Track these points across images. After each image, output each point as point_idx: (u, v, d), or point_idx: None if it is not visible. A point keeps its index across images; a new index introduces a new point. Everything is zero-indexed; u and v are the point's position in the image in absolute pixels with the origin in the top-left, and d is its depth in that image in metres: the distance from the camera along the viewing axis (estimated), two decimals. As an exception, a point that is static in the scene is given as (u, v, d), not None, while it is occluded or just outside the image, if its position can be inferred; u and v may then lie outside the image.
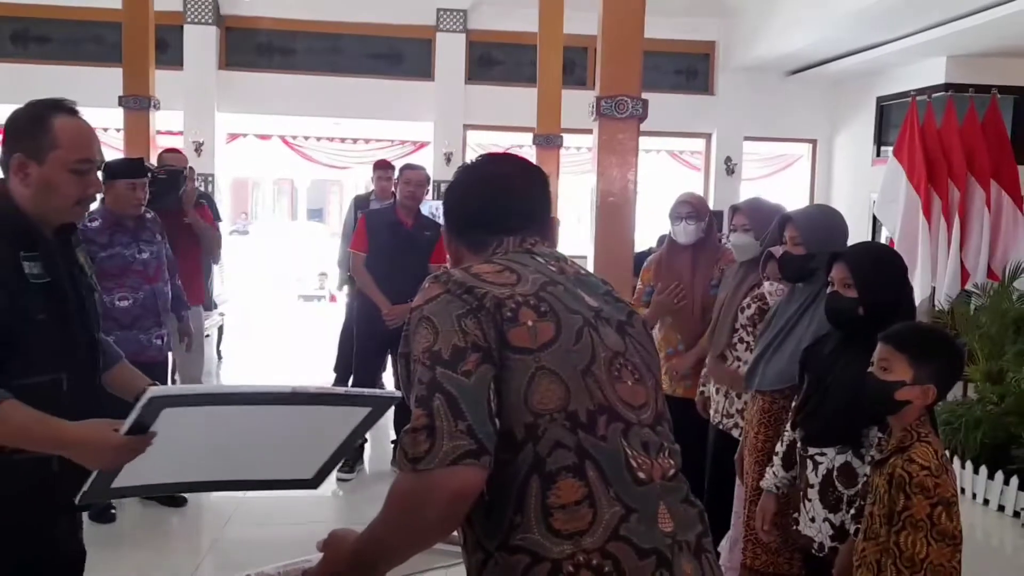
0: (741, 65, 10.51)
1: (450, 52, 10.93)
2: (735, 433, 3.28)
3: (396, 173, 6.81)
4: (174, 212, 4.68)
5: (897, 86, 9.31)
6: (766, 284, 3.19)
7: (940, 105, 5.85)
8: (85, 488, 1.62)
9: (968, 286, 5.47)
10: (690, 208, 3.80)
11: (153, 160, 5.86)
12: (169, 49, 10.35)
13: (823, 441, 2.39)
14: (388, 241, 4.78)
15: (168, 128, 10.48)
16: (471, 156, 11.44)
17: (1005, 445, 4.73)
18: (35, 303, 1.79)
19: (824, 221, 2.83)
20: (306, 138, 12.63)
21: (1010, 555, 4.24)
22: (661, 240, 10.04)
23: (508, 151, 1.99)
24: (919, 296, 5.59)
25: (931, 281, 5.51)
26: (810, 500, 2.43)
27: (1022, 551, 4.23)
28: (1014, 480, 4.57)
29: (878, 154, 9.90)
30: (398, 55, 11.10)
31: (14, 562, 1.84)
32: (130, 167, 4.15)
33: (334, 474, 4.60)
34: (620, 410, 1.28)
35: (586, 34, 9.87)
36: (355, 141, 12.90)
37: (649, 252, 7.87)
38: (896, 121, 9.69)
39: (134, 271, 3.98)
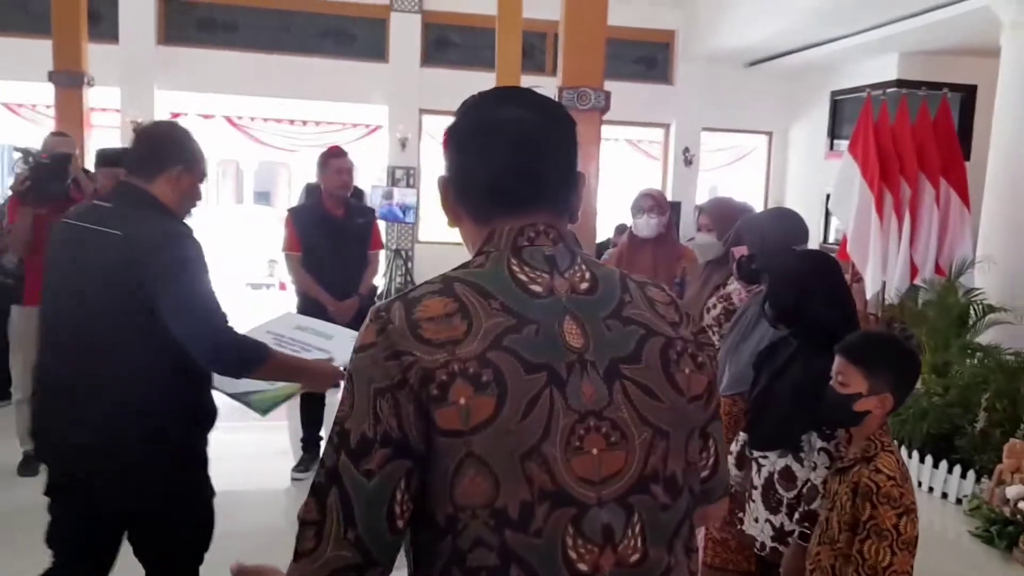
0: (700, 55, 10.72)
1: (405, 33, 10.87)
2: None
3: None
4: (63, 202, 4.10)
5: (851, 81, 9.63)
6: (732, 284, 3.33)
7: (894, 102, 6.09)
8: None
9: (917, 281, 5.74)
10: (652, 202, 3.94)
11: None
12: (103, 21, 9.99)
13: (765, 445, 2.51)
14: (320, 236, 4.62)
15: (103, 106, 10.17)
16: (427, 142, 11.46)
17: (949, 435, 4.99)
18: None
19: (770, 225, 2.97)
20: (252, 118, 12.37)
21: (953, 540, 4.49)
22: (620, 229, 10.27)
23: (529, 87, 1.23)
24: (870, 291, 5.84)
25: (882, 275, 5.76)
26: (754, 501, 2.56)
27: (964, 536, 4.48)
28: (957, 468, 4.83)
29: (831, 147, 10.21)
30: (350, 35, 10.99)
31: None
32: (111, 156, 4.15)
33: (289, 473, 4.69)
34: (573, 491, 1.09)
35: (545, 19, 10.02)
36: (304, 123, 12.77)
37: (607, 243, 8.05)
38: (849, 115, 10.01)
39: None
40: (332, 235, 4.64)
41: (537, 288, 1.15)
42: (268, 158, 19.25)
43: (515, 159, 1.19)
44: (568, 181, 1.23)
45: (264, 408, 2.46)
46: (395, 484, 1.07)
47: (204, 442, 2.40)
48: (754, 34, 9.29)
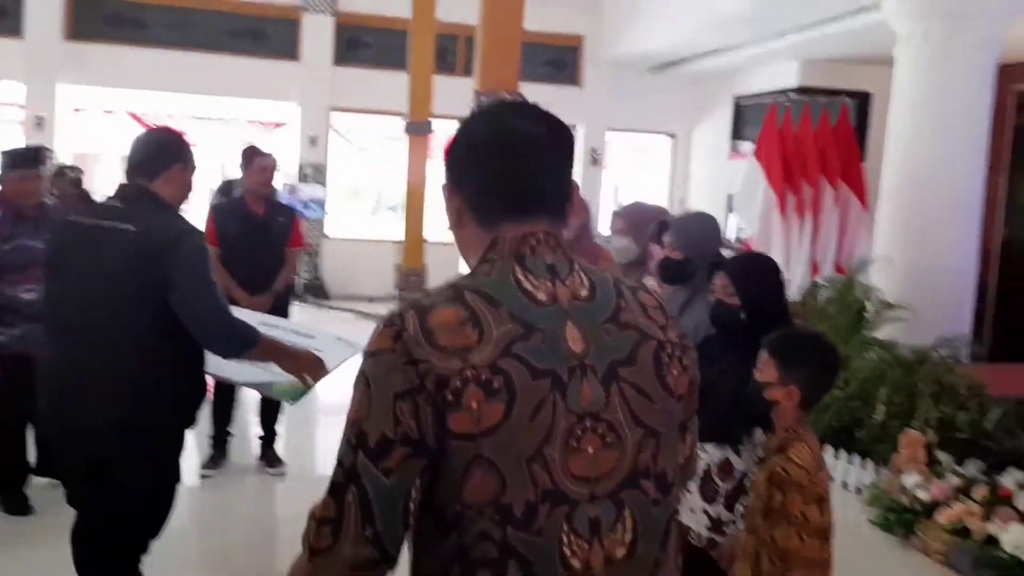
0: (607, 59, 10.90)
1: (317, 33, 10.83)
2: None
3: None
4: None
5: (753, 86, 9.95)
6: (647, 283, 3.41)
7: (798, 110, 6.34)
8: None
9: (818, 279, 5.99)
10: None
11: None
12: (8, 16, 9.81)
13: (703, 438, 2.59)
14: (240, 232, 4.66)
15: (7, 101, 9.98)
16: (335, 139, 11.39)
17: (850, 427, 5.21)
18: None
19: (699, 229, 3.06)
20: (157, 114, 12.09)
21: (853, 527, 4.69)
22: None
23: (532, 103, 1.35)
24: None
25: (785, 273, 5.96)
26: (690, 492, 2.59)
27: (863, 524, 4.68)
28: (856, 459, 5.06)
29: (734, 149, 10.53)
30: (262, 33, 10.87)
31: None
32: (17, 158, 4.00)
33: (197, 471, 4.63)
34: (568, 490, 1.15)
35: (458, 22, 10.11)
36: (210, 119, 12.51)
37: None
38: (751, 119, 10.35)
39: (41, 264, 3.82)
40: (253, 232, 4.69)
41: (541, 296, 1.19)
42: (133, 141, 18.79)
43: (524, 167, 1.23)
44: (566, 190, 1.28)
45: (293, 397, 2.72)
46: (411, 482, 1.11)
47: (192, 418, 2.64)
48: (659, 40, 9.48)
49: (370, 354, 1.16)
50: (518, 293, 1.18)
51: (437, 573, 1.15)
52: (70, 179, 5.68)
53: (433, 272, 9.49)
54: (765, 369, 2.26)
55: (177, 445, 2.62)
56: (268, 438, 4.98)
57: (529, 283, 1.19)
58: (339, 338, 3.04)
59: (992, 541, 3.90)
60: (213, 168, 11.42)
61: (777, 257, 5.88)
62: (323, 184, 10.98)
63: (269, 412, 4.96)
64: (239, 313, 2.71)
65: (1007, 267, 7.80)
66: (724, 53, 9.32)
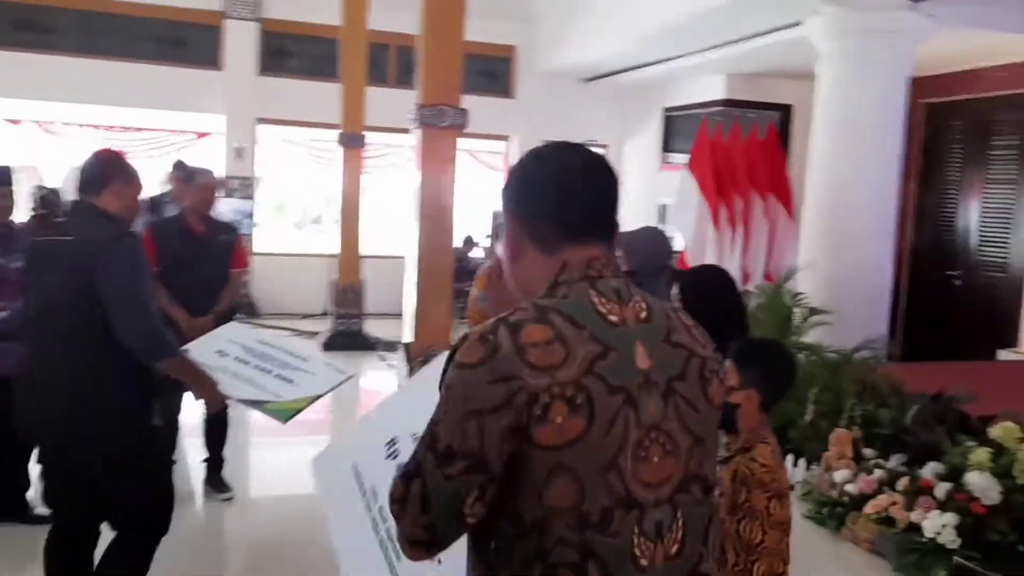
0: (540, 71, 11.25)
1: (240, 41, 10.75)
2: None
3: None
4: None
5: (682, 99, 10.47)
6: None
7: (728, 124, 6.79)
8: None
9: (749, 287, 6.45)
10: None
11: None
12: None
13: None
14: (180, 251, 4.63)
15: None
16: (265, 151, 11.41)
17: (784, 427, 5.62)
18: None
19: (645, 240, 3.39)
20: (66, 124, 11.79)
21: (787, 523, 5.11)
22: (467, 241, 10.66)
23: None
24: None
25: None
26: None
27: (797, 518, 5.02)
28: (790, 457, 5.47)
29: (665, 160, 11.03)
30: (181, 41, 10.75)
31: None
32: None
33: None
34: (638, 496, 1.33)
35: (390, 31, 10.30)
36: (125, 129, 12.34)
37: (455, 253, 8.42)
38: (681, 130, 10.85)
39: (9, 282, 3.90)
40: (193, 251, 4.67)
41: (614, 318, 1.37)
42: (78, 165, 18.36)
43: (586, 196, 1.43)
44: (616, 218, 1.48)
45: (284, 417, 2.95)
46: (468, 492, 1.28)
47: (149, 410, 2.98)
48: (591, 52, 9.83)
49: (458, 364, 1.30)
50: (595, 315, 1.35)
51: (518, 574, 1.31)
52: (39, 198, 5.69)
53: (371, 287, 9.63)
54: (728, 375, 2.42)
55: (133, 434, 2.90)
56: (215, 462, 5.02)
57: (603, 306, 1.37)
58: (328, 364, 3.39)
59: (914, 528, 4.33)
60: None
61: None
62: (251, 198, 10.99)
63: (216, 436, 5.00)
64: (254, 333, 3.20)
65: (916, 270, 8.49)
66: (654, 66, 9.78)
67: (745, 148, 6.49)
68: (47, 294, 2.84)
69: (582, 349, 1.30)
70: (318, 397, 3.18)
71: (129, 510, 2.97)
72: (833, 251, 6.17)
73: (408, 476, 1.32)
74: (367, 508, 2.25)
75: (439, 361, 2.50)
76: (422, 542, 1.33)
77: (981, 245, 8.07)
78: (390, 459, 2.34)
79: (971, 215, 8.15)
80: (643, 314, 1.40)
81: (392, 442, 2.39)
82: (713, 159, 6.37)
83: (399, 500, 1.33)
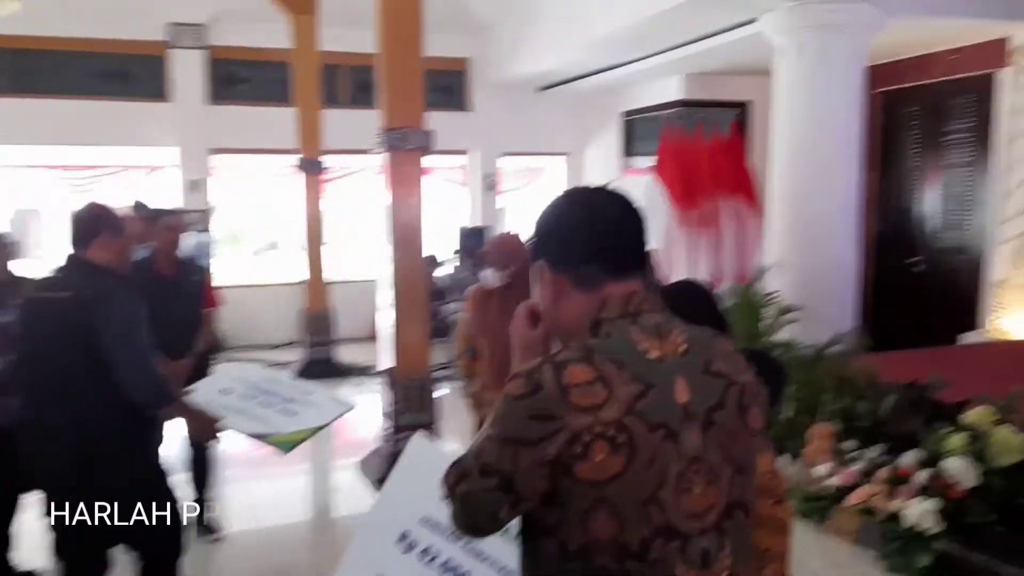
0: (495, 82, 11.36)
1: (187, 70, 10.70)
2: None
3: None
4: None
5: (640, 101, 10.67)
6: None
7: (691, 124, 6.96)
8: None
9: (720, 289, 6.62)
10: (494, 256, 4.27)
11: None
12: None
13: None
14: (151, 296, 4.37)
15: None
16: (221, 181, 11.37)
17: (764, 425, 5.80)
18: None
19: None
20: (9, 166, 11.57)
21: (774, 520, 5.27)
22: (430, 261, 10.74)
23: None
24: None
25: (691, 287, 6.61)
26: None
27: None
28: (772, 455, 5.65)
29: (626, 165, 11.22)
30: (124, 74, 10.69)
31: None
32: None
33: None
34: (681, 526, 1.41)
35: (341, 51, 10.36)
36: (66, 168, 12.20)
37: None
38: (641, 134, 11.05)
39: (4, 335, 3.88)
40: (164, 295, 4.61)
41: (655, 355, 1.44)
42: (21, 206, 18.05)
43: (624, 235, 1.54)
44: (646, 253, 1.58)
45: (286, 448, 3.20)
46: (500, 505, 1.42)
47: (155, 453, 3.29)
48: (545, 62, 9.93)
49: (506, 394, 1.42)
50: (636, 354, 1.43)
51: None
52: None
53: (341, 313, 9.70)
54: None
55: (139, 466, 3.15)
56: (203, 502, 5.04)
57: (643, 343, 1.45)
58: (333, 397, 3.65)
59: (896, 517, 4.51)
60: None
61: (681, 271, 6.50)
62: (207, 230, 10.95)
63: (203, 474, 5.04)
64: (259, 370, 3.49)
65: (880, 259, 8.74)
66: (610, 71, 9.93)
67: (710, 150, 6.68)
68: (44, 348, 3.00)
69: (624, 389, 1.38)
70: (320, 428, 3.41)
71: (151, 537, 3.16)
72: (800, 246, 6.35)
73: (456, 469, 1.47)
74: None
75: (417, 444, 2.76)
76: (464, 531, 1.51)
77: (941, 230, 8.34)
78: (408, 553, 2.47)
79: (930, 200, 8.42)
80: (682, 347, 1.47)
81: (404, 536, 2.51)
82: (678, 161, 6.55)
83: (449, 488, 1.48)
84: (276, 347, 10.70)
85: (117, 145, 10.76)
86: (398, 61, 5.61)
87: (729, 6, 6.74)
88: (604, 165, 11.66)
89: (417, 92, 5.67)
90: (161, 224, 4.88)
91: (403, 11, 5.59)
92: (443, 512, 2.36)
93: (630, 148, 11.20)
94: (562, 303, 1.53)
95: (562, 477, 1.36)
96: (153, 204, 6.87)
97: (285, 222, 13.45)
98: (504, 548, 2.49)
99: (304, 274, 9.52)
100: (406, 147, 5.60)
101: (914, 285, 8.46)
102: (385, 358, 5.87)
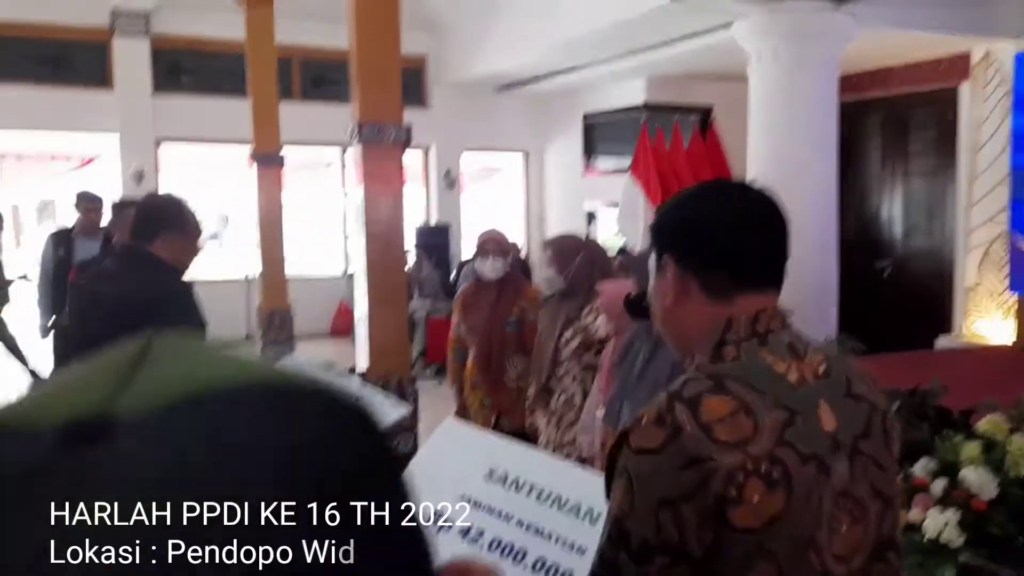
0: (452, 80, 11.10)
1: (131, 58, 10.26)
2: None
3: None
4: None
5: (602, 104, 10.48)
6: (587, 316, 3.62)
7: (668, 127, 6.77)
8: None
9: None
10: (495, 245, 4.17)
11: None
12: None
13: None
14: (106, 301, 4.35)
15: None
16: (167, 173, 10.89)
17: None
18: None
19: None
20: None
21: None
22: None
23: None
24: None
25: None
26: None
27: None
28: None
29: (588, 166, 11.01)
30: (65, 60, 10.20)
31: None
32: None
33: None
34: (833, 570, 1.22)
35: (292, 44, 9.98)
36: (3, 156, 11.64)
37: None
38: (602, 136, 10.86)
39: None
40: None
41: (793, 378, 1.23)
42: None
43: (764, 243, 1.32)
44: (785, 264, 1.34)
45: None
46: None
47: None
48: (505, 62, 9.75)
49: (637, 451, 1.18)
50: (773, 376, 1.22)
51: None
52: None
53: (297, 310, 9.27)
54: None
55: None
56: None
57: (779, 365, 1.23)
58: (388, 397, 3.22)
59: (913, 527, 4.33)
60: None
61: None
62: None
63: None
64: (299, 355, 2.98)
65: (848, 265, 8.66)
66: (572, 72, 9.73)
67: (688, 155, 6.45)
68: (92, 347, 2.55)
69: (768, 417, 1.18)
70: None
71: None
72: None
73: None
74: None
75: (447, 427, 2.44)
76: None
77: (907, 235, 8.33)
78: (446, 533, 2.15)
79: (895, 207, 8.42)
80: (821, 368, 1.27)
81: (438, 515, 2.18)
82: (657, 165, 6.31)
83: None
84: (226, 346, 10.19)
85: (54, 130, 10.37)
86: (374, 54, 5.44)
87: (701, 13, 6.62)
88: (566, 166, 11.51)
89: (395, 86, 5.52)
90: (124, 215, 4.29)
91: (380, 2, 5.45)
92: (484, 492, 2.18)
93: (592, 149, 11.00)
94: (684, 307, 1.32)
95: (717, 530, 1.14)
96: (101, 194, 6.46)
97: (235, 215, 12.96)
98: (570, 523, 2.17)
99: (255, 269, 9.10)
100: (384, 142, 5.36)
101: (881, 289, 8.43)
102: (357, 356, 5.59)
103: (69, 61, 10.24)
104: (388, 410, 3.02)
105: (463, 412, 4.24)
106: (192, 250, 2.96)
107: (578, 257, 3.76)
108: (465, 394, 4.31)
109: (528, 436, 3.88)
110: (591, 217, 10.87)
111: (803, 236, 5.88)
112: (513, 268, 4.25)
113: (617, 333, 3.81)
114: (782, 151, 6.22)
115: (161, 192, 3.12)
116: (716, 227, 1.32)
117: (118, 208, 4.65)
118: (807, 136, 6.19)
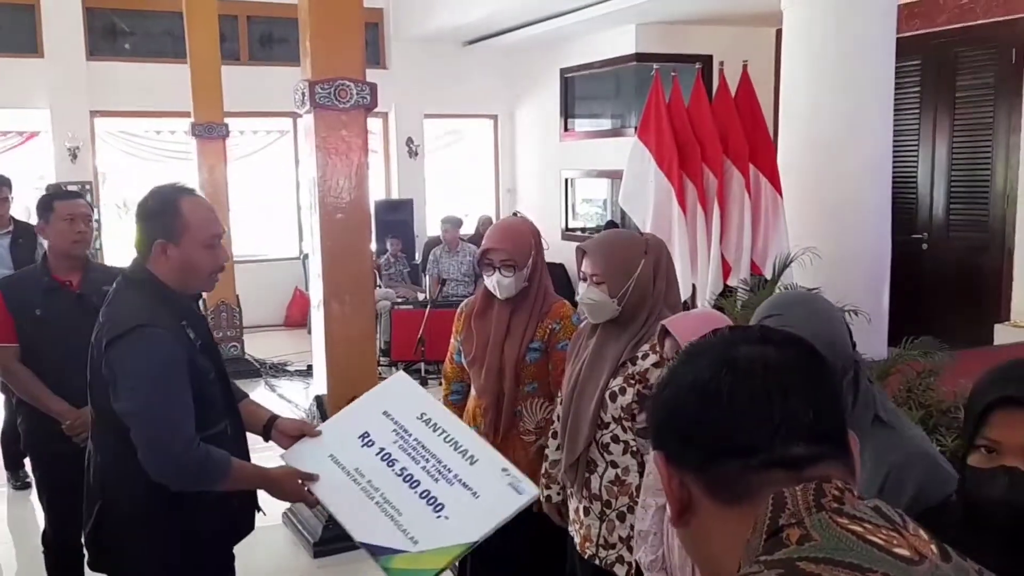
0: (413, 35, 9.70)
1: (61, 21, 8.84)
2: (619, 570, 2.36)
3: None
4: None
5: (583, 57, 8.97)
6: (648, 359, 2.35)
7: (688, 78, 5.34)
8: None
9: (731, 281, 4.98)
10: (505, 256, 2.78)
11: None
12: None
13: None
14: (47, 316, 3.16)
15: None
16: (104, 149, 9.33)
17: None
18: (205, 364, 2.19)
19: (809, 324, 1.96)
20: None
21: None
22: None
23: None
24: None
25: (691, 277, 4.95)
26: None
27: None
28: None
29: (566, 128, 9.51)
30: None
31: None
32: None
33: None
34: None
35: (235, 1, 8.49)
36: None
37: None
38: (584, 92, 9.37)
39: None
40: (65, 313, 3.11)
41: (903, 551, 0.76)
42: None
43: (780, 402, 0.82)
44: (840, 419, 0.86)
45: None
46: None
47: (196, 520, 2.19)
48: (472, 12, 8.35)
49: None
50: (873, 549, 0.75)
51: None
52: None
53: (245, 299, 7.82)
54: None
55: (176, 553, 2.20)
56: None
57: (877, 535, 0.77)
58: (505, 470, 2.15)
59: None
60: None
61: (680, 258, 4.85)
62: (95, 205, 8.86)
63: None
64: (418, 399, 2.33)
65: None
66: (547, 21, 8.23)
67: (714, 109, 5.00)
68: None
69: None
70: (474, 544, 2.02)
71: None
72: (826, 229, 4.86)
73: None
74: (354, 482, 2.16)
75: (399, 378, 2.51)
76: None
77: (952, 202, 6.88)
78: (367, 447, 2.22)
79: (937, 167, 6.92)
80: (933, 544, 0.80)
81: (365, 435, 2.26)
82: (672, 124, 4.87)
83: None
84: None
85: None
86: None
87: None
88: (541, 129, 10.07)
89: (356, 36, 4.24)
90: (55, 211, 3.24)
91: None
92: (412, 425, 2.23)
93: (570, 109, 9.54)
94: (693, 521, 0.85)
95: None
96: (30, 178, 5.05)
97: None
98: (477, 473, 2.12)
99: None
100: (341, 105, 3.97)
101: (916, 266, 6.86)
102: (314, 357, 4.66)
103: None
104: (505, 495, 2.10)
105: None
106: (189, 263, 2.25)
107: (639, 268, 2.40)
108: None
109: (549, 518, 2.66)
110: (570, 185, 9.45)
111: (856, 211, 4.50)
112: (535, 272, 2.82)
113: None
114: (826, 110, 4.84)
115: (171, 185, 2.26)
116: (699, 403, 0.86)
117: (44, 204, 3.31)
118: (860, 88, 4.81)
